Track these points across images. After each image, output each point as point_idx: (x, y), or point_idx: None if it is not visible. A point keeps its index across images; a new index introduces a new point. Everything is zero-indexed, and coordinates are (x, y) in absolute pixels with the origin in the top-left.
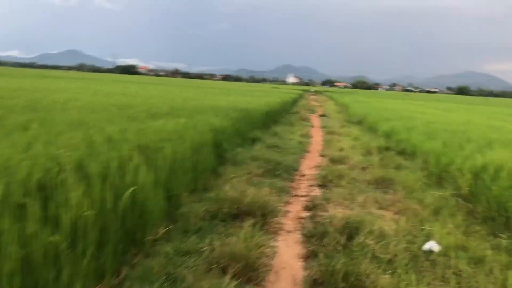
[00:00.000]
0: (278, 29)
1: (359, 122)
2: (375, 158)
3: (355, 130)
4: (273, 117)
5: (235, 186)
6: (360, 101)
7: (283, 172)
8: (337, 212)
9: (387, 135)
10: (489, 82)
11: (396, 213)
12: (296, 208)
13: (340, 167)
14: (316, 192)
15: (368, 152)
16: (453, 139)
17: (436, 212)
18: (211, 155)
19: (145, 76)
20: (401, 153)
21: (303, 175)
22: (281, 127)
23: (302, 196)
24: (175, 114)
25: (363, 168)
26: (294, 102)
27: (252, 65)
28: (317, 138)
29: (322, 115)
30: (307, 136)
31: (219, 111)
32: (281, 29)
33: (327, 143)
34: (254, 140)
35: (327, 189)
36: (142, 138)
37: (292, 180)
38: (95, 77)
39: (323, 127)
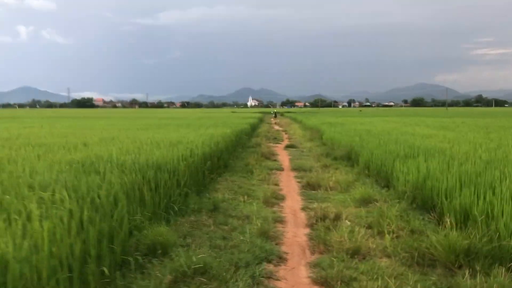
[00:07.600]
0: (234, 55)
1: (348, 158)
2: None
3: (349, 177)
4: (219, 162)
5: None
6: (332, 123)
7: None
8: None
9: (420, 192)
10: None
11: None
12: None
13: None
14: None
15: (429, 269)
16: None
17: None
18: None
19: (102, 108)
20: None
21: None
22: (229, 181)
23: None
24: None
25: None
26: (254, 129)
27: (212, 91)
28: (293, 202)
29: (290, 146)
30: (275, 199)
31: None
32: (237, 55)
33: (315, 224)
34: (153, 254)
35: None
36: None
37: None
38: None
39: (296, 170)
